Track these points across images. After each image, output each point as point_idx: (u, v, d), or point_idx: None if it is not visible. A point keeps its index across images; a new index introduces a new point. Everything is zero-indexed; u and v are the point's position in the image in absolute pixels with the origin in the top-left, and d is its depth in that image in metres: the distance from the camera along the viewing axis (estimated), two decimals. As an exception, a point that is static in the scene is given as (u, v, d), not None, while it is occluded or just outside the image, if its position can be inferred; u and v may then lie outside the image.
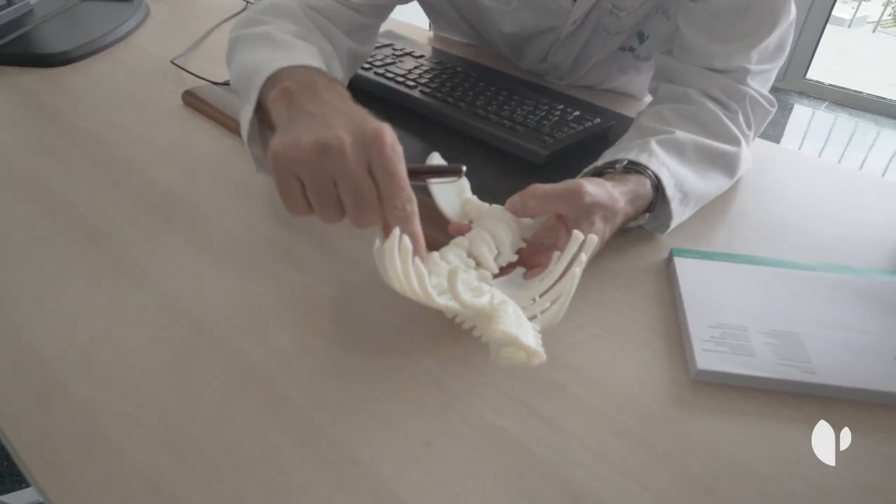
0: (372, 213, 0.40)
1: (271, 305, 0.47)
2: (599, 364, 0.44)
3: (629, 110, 0.79)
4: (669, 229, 0.56)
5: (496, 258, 0.46)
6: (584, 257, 0.42)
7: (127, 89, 0.79)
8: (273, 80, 0.48)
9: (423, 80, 0.75)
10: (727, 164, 0.61)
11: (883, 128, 2.78)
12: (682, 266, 0.51)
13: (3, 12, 0.92)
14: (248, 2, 1.12)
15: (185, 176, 0.62)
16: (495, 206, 0.49)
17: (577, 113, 0.71)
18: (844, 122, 2.83)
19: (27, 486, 0.33)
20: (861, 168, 2.46)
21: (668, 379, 0.43)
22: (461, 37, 0.97)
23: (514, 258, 0.47)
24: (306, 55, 0.51)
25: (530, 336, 0.38)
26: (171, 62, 0.84)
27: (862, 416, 0.41)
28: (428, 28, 1.05)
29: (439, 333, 0.45)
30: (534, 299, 0.44)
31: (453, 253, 0.45)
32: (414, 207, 0.41)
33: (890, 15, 3.79)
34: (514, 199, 0.48)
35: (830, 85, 2.97)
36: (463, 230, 0.48)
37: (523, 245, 0.48)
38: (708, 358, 0.43)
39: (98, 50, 0.89)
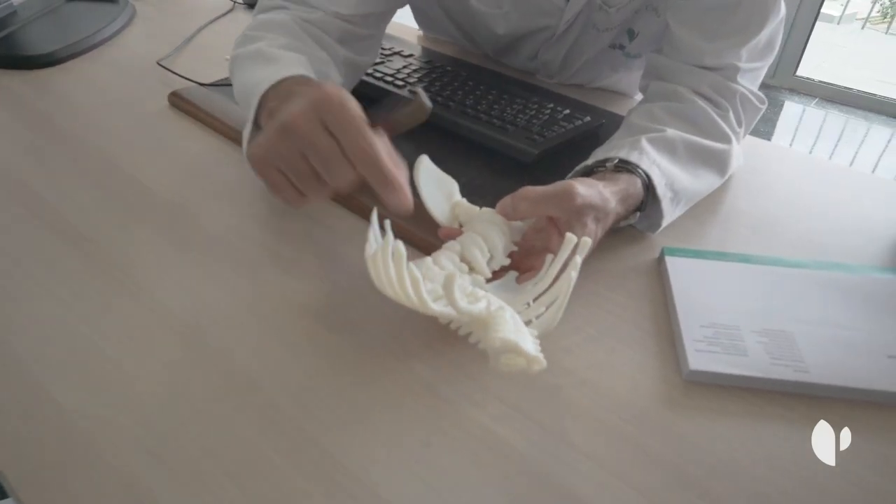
0: (341, 167, 0.41)
1: (260, 309, 0.47)
2: (592, 366, 0.44)
3: (620, 108, 0.79)
4: (661, 228, 0.55)
5: (489, 262, 0.46)
6: (578, 261, 0.41)
7: (113, 91, 0.78)
8: (265, 98, 0.51)
9: (411, 80, 0.75)
10: (718, 162, 0.61)
11: (873, 123, 2.80)
12: (674, 265, 0.51)
13: (-15, 14, 0.91)
14: (235, 2, 1.11)
15: (172, 178, 0.61)
16: (485, 209, 0.49)
17: (568, 111, 0.70)
18: (835, 118, 2.84)
19: (5, 497, 0.32)
20: (852, 164, 2.47)
21: (661, 379, 0.43)
22: (450, 39, 0.97)
23: (507, 262, 0.47)
24: (292, 66, 0.53)
25: (529, 342, 0.38)
26: (158, 63, 0.83)
27: (856, 415, 0.41)
28: (417, 27, 1.05)
29: (433, 338, 0.45)
30: (528, 304, 0.43)
31: (446, 258, 0.45)
32: (377, 150, 0.41)
33: (878, 12, 3.82)
34: (505, 201, 0.47)
35: (821, 81, 2.99)
36: (454, 234, 0.48)
37: (515, 248, 0.48)
38: (700, 358, 0.42)
39: (83, 51, 0.87)
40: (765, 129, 2.65)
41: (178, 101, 0.73)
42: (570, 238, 0.42)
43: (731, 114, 0.62)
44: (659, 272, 0.53)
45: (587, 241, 0.42)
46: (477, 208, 0.49)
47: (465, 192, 0.57)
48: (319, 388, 0.41)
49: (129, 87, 0.79)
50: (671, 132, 0.57)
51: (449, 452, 0.38)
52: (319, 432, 0.38)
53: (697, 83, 0.62)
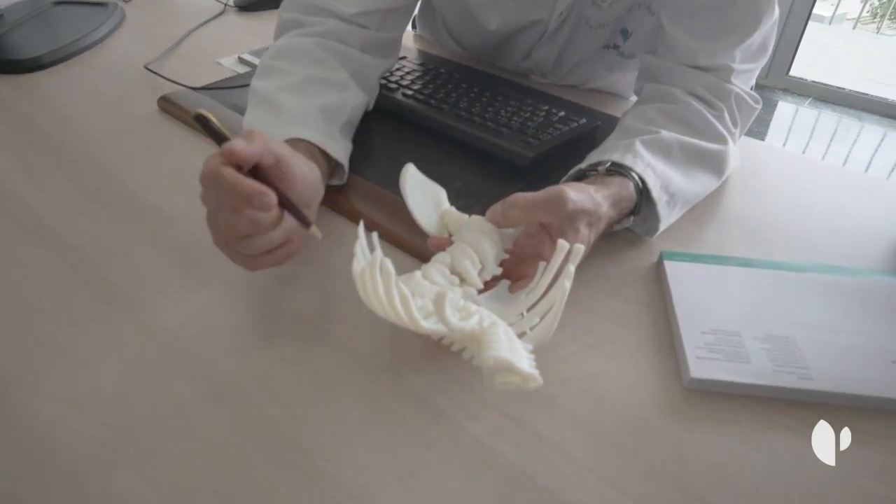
0: (255, 230, 0.41)
1: (251, 320, 0.46)
2: (591, 374, 0.43)
3: (615, 110, 0.78)
4: (659, 232, 0.54)
5: (480, 272, 0.45)
6: (571, 269, 0.40)
7: (101, 95, 0.76)
8: None
9: (405, 83, 0.74)
10: (714, 163, 0.60)
11: (866, 123, 2.80)
12: (673, 270, 0.50)
13: (-30, 18, 0.89)
14: (225, 4, 1.10)
15: (161, 184, 0.60)
16: (475, 217, 0.47)
17: (563, 113, 0.70)
18: (828, 117, 2.84)
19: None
20: (845, 163, 2.48)
21: (661, 388, 0.42)
22: (441, 44, 0.96)
23: (499, 271, 0.46)
24: (294, 121, 0.53)
25: (524, 359, 0.37)
26: (145, 67, 0.82)
27: (860, 422, 0.40)
28: (412, 27, 1.04)
29: (430, 348, 0.44)
30: (522, 314, 0.42)
31: (436, 270, 0.44)
32: (265, 196, 0.39)
33: (868, 12, 3.83)
34: (495, 209, 0.46)
35: (813, 81, 2.99)
36: (443, 244, 0.47)
37: (506, 256, 0.47)
38: (702, 366, 0.42)
39: (71, 55, 0.86)
40: (758, 128, 2.65)
41: (168, 106, 0.72)
42: (563, 245, 0.41)
43: (726, 114, 0.62)
44: (657, 277, 0.52)
45: (580, 248, 0.41)
46: (466, 216, 0.48)
47: (461, 195, 0.56)
48: (312, 402, 0.40)
49: (118, 92, 0.77)
50: (666, 134, 0.56)
51: (446, 467, 0.37)
52: (313, 447, 0.37)
53: (692, 84, 0.62)
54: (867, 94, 2.91)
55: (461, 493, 0.35)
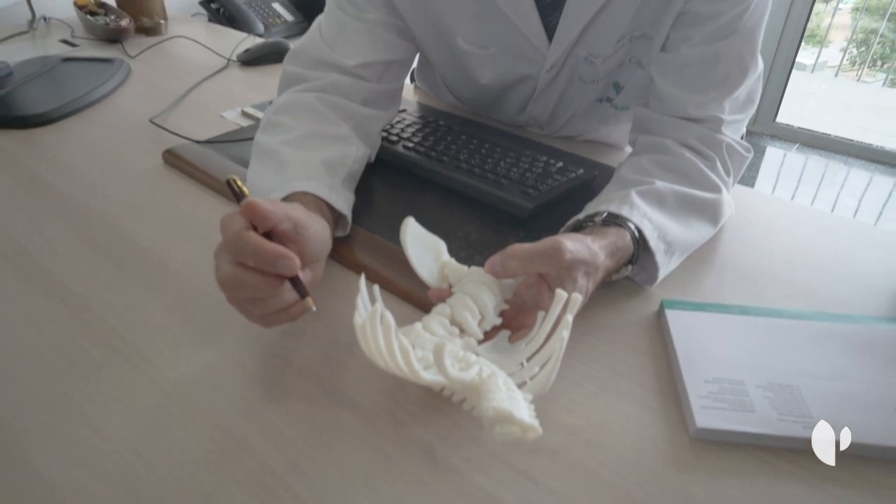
0: (271, 292, 0.41)
1: (253, 370, 0.46)
2: (596, 425, 0.43)
3: (611, 160, 0.80)
4: (658, 281, 0.55)
5: (480, 323, 0.45)
6: (569, 319, 0.41)
7: (106, 149, 0.78)
8: None
9: (405, 135, 0.76)
10: (709, 212, 0.61)
11: (852, 167, 2.86)
12: (674, 318, 0.51)
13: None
14: (229, 59, 1.13)
15: (166, 236, 0.60)
16: (474, 269, 0.48)
17: (561, 164, 0.71)
18: (815, 162, 2.91)
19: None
20: (834, 208, 2.52)
21: (667, 438, 0.42)
22: (440, 97, 0.99)
23: (499, 321, 0.46)
24: (298, 175, 0.55)
25: (524, 409, 0.37)
26: (150, 121, 0.84)
27: (865, 470, 0.40)
28: (410, 79, 1.07)
29: (430, 399, 0.44)
30: (521, 364, 0.42)
31: (437, 322, 0.44)
32: (288, 260, 0.41)
33: (847, 60, 3.97)
34: (494, 260, 0.47)
35: (800, 128, 3.07)
36: (443, 295, 0.47)
37: (506, 307, 0.47)
38: (707, 415, 0.42)
39: (77, 110, 0.88)
40: (749, 173, 2.70)
41: (172, 159, 0.74)
42: (561, 294, 0.42)
43: (718, 164, 0.63)
44: (659, 325, 0.52)
45: (577, 298, 0.42)
46: (465, 268, 0.49)
47: (461, 246, 0.56)
48: (315, 454, 0.40)
49: (123, 146, 0.79)
50: (660, 184, 0.58)
51: (453, 521, 0.36)
52: (314, 499, 0.37)
53: (684, 135, 0.63)
54: (851, 140, 2.98)
55: (469, 550, 0.35)
